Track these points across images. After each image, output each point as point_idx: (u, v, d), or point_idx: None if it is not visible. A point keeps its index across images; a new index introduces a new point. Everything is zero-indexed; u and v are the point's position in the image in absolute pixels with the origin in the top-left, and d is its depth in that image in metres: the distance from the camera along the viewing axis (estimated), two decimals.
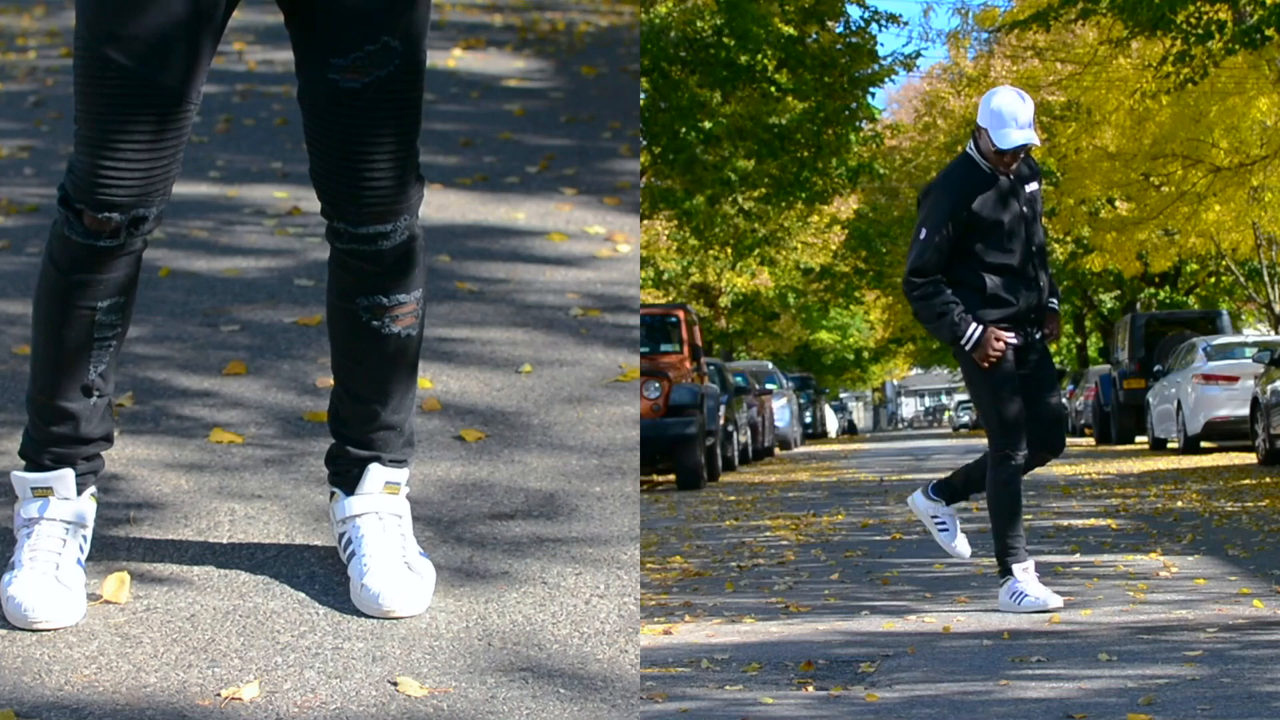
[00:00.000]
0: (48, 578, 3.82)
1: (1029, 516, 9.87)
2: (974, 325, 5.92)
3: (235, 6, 3.78)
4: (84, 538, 3.96)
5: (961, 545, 6.33)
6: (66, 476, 3.93)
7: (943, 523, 6.29)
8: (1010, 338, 5.97)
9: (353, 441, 4.06)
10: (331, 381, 4.62)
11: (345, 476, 4.08)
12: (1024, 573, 5.95)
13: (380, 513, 4.01)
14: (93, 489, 4.01)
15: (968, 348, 5.95)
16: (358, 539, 3.98)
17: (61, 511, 3.92)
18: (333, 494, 4.11)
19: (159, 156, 3.67)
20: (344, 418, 4.07)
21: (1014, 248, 5.96)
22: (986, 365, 5.95)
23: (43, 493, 3.93)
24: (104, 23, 3.60)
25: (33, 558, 3.86)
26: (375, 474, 4.04)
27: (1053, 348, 7.18)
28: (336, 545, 4.10)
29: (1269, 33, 14.18)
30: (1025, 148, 5.89)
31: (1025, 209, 5.99)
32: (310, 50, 3.74)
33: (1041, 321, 6.08)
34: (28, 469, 3.97)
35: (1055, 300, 6.15)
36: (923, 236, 5.97)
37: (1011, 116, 5.85)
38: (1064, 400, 6.38)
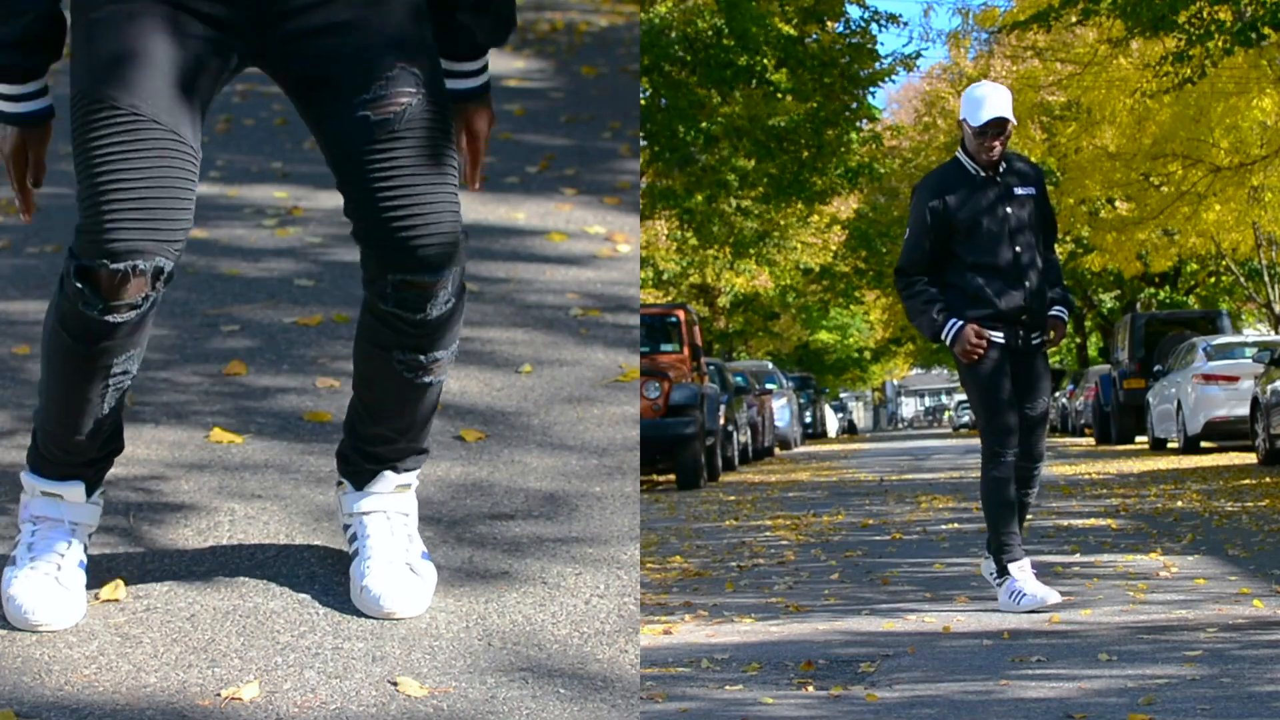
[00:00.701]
0: (49, 579, 3.82)
1: (1030, 516, 9.87)
2: (953, 321, 5.99)
3: (237, 72, 3.77)
4: (88, 538, 3.96)
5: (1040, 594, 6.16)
6: (78, 487, 3.93)
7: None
8: (995, 336, 6.01)
9: (367, 455, 4.04)
10: (331, 381, 4.62)
11: (357, 475, 4.07)
12: (1020, 571, 5.96)
13: (389, 512, 4.01)
14: (101, 489, 4.01)
15: (948, 342, 6.04)
16: (363, 537, 3.98)
17: (69, 513, 3.91)
18: (340, 483, 4.11)
19: (165, 196, 3.54)
20: (361, 434, 4.03)
21: (996, 248, 6.01)
22: (969, 360, 6.01)
23: (52, 495, 3.93)
24: (102, 70, 3.54)
25: (34, 557, 3.86)
26: (388, 479, 4.04)
27: (1052, 350, 7.21)
28: (342, 535, 4.10)
29: (1264, 30, 14.18)
30: (1000, 122, 5.95)
31: (1011, 210, 6.03)
32: (332, 104, 3.66)
33: (1037, 325, 6.09)
34: (36, 473, 3.96)
35: (1063, 308, 6.16)
36: (907, 236, 6.16)
37: (984, 99, 5.98)
38: (1049, 410, 6.30)
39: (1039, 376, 6.14)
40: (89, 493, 3.94)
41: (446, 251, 3.70)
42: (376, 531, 3.98)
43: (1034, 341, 6.10)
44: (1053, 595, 5.87)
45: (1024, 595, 5.88)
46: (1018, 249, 6.03)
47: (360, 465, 4.05)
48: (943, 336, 6.03)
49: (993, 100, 5.97)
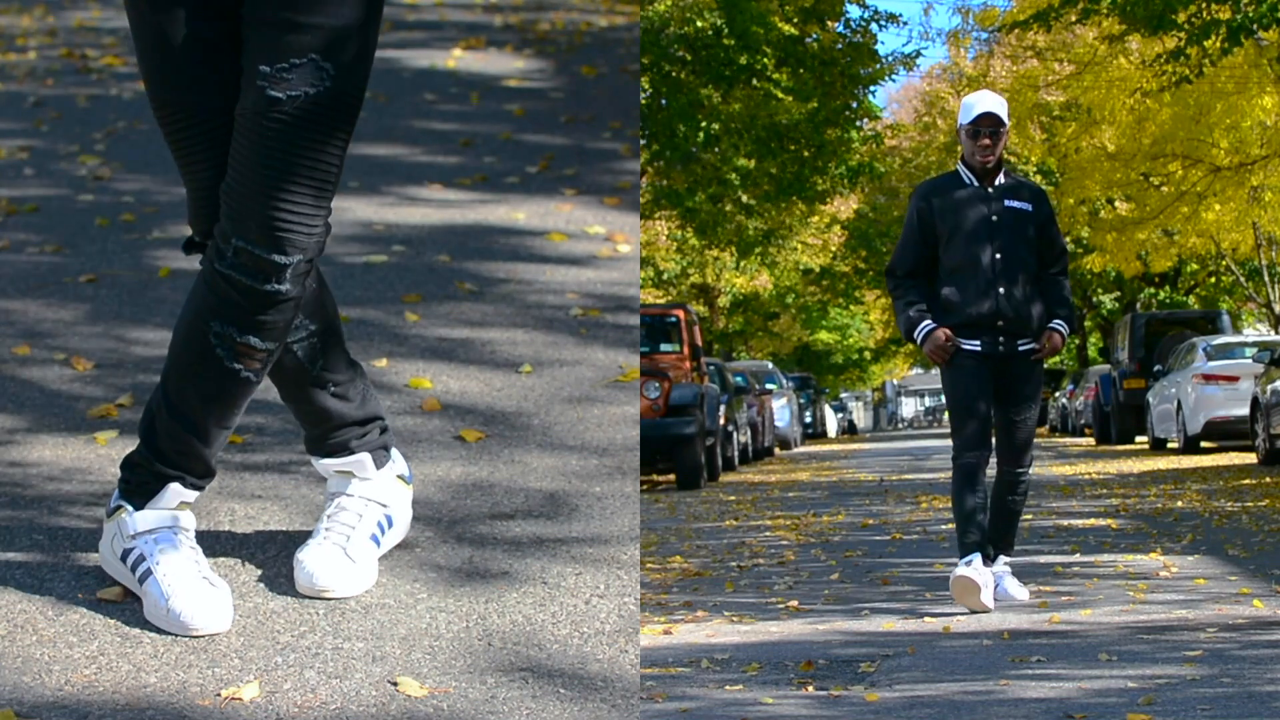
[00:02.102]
0: (337, 548, 4.01)
1: (1029, 516, 9.87)
2: (926, 323, 6.08)
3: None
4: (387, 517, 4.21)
5: (1015, 591, 6.22)
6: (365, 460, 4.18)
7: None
8: (971, 345, 6.04)
9: (158, 455, 3.93)
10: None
11: (141, 488, 3.96)
12: (966, 566, 5.95)
13: (187, 527, 3.96)
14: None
15: (919, 342, 6.13)
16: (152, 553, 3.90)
17: (364, 491, 4.17)
18: (119, 507, 3.97)
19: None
20: (158, 429, 3.92)
21: (972, 252, 6.08)
22: (937, 363, 6.11)
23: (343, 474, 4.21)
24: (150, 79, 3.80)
25: (329, 529, 4.07)
26: (173, 493, 3.95)
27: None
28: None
29: (1255, 27, 14.17)
30: (991, 117, 6.04)
31: (997, 218, 6.07)
32: (247, 61, 3.68)
33: (1021, 332, 6.09)
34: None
35: (1060, 323, 6.15)
36: (900, 237, 6.29)
37: (976, 100, 6.11)
38: (1032, 420, 6.33)
39: (1024, 383, 6.13)
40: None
41: (293, 236, 3.68)
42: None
43: (1020, 348, 6.10)
44: (983, 575, 5.86)
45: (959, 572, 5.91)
46: (996, 255, 6.06)
47: (147, 471, 3.96)
48: (915, 336, 6.12)
49: (984, 100, 6.10)
